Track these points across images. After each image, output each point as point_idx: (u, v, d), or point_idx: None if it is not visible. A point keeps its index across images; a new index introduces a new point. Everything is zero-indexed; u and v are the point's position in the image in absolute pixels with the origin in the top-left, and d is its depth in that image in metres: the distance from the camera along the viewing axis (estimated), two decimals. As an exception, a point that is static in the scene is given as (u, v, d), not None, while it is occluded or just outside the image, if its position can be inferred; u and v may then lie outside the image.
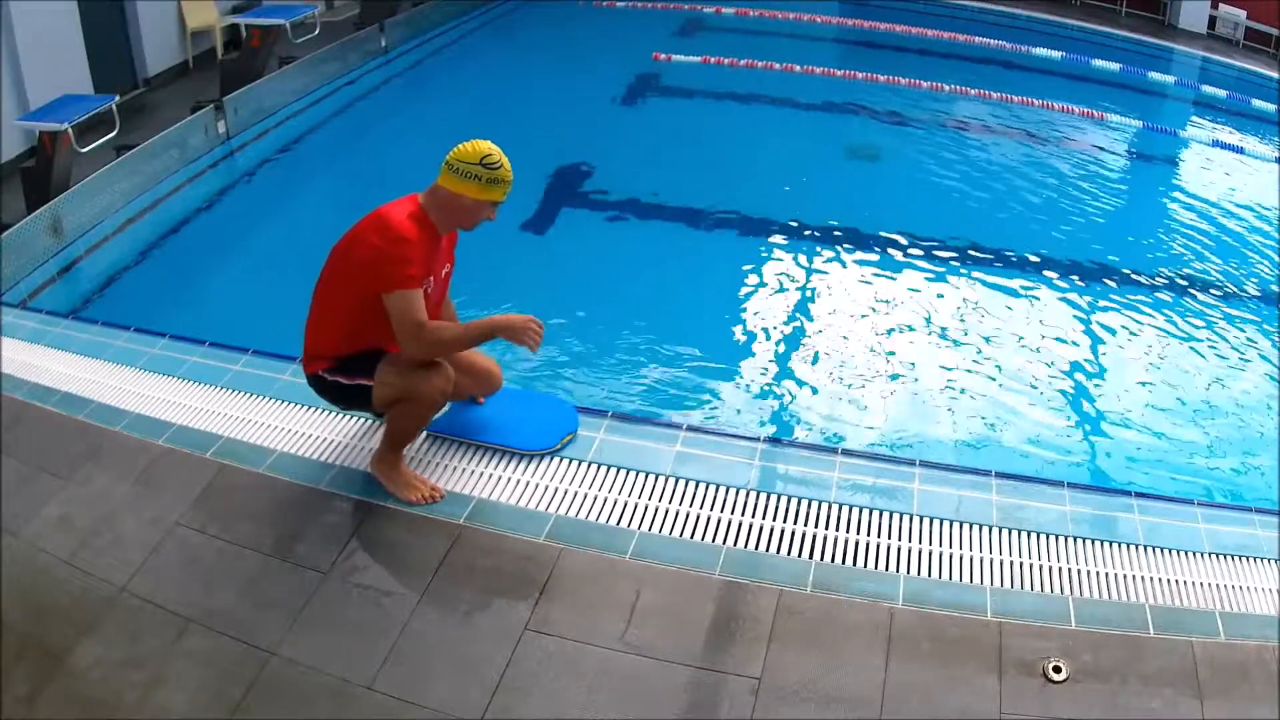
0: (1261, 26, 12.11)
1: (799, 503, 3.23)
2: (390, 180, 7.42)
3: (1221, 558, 3.08)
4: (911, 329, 5.38)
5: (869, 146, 8.39)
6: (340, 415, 3.65)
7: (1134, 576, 2.97)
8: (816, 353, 5.20)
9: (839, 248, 6.39)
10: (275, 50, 8.61)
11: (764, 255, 6.33)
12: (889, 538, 3.10)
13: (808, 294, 5.83)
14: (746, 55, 10.21)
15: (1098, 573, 2.98)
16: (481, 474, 3.35)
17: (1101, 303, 5.85)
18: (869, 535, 3.11)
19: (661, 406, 4.56)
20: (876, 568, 2.99)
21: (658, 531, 3.11)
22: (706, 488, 3.30)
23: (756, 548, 3.06)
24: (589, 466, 3.39)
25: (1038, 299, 5.81)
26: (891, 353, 5.13)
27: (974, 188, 7.56)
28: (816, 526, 3.14)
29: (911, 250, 6.33)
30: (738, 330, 5.41)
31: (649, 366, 4.89)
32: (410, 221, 2.97)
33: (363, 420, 3.61)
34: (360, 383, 3.11)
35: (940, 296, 5.75)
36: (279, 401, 3.76)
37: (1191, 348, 5.37)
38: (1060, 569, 2.99)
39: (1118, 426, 4.65)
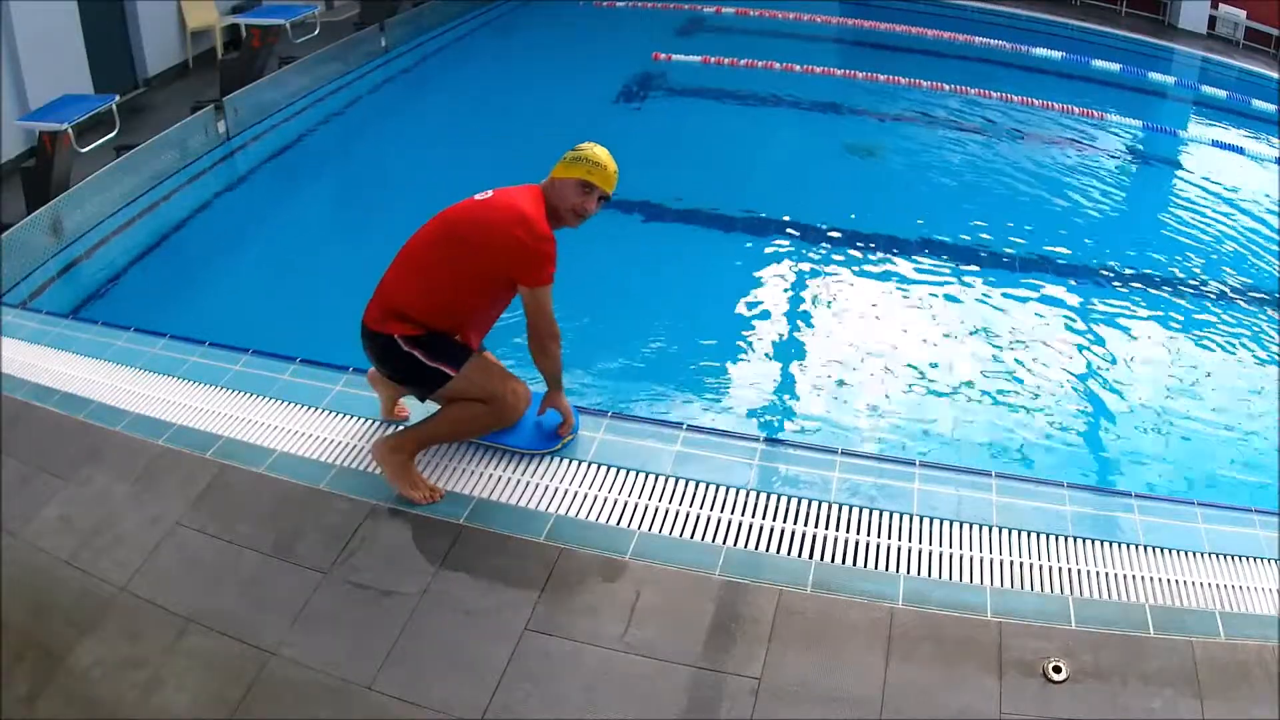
0: (1261, 26, 12.11)
1: (799, 503, 3.23)
2: (390, 180, 7.48)
3: (1221, 558, 3.07)
4: (911, 329, 5.38)
5: (869, 146, 8.39)
6: (340, 415, 3.65)
7: (1134, 576, 2.97)
8: (816, 353, 5.20)
9: (838, 247, 6.39)
10: (275, 50, 8.61)
11: (763, 255, 6.33)
12: (889, 538, 3.10)
13: (807, 293, 5.83)
14: (746, 55, 10.21)
15: (1098, 573, 2.98)
16: (481, 474, 3.35)
17: (1101, 302, 5.85)
18: (869, 535, 3.11)
19: (661, 406, 4.55)
20: (876, 568, 2.99)
21: (658, 531, 3.11)
22: (706, 488, 3.30)
23: (756, 548, 3.06)
24: (589, 466, 3.39)
25: (1037, 299, 5.81)
26: (892, 353, 5.13)
27: (973, 188, 7.57)
28: (816, 526, 3.14)
29: (911, 250, 6.32)
30: (737, 330, 5.41)
31: (649, 366, 4.90)
32: (546, 221, 3.13)
33: (363, 420, 3.61)
34: (441, 369, 3.14)
35: (939, 296, 5.75)
36: (279, 401, 3.76)
37: (1191, 347, 5.37)
38: (1060, 569, 2.99)
39: (1118, 426, 4.65)
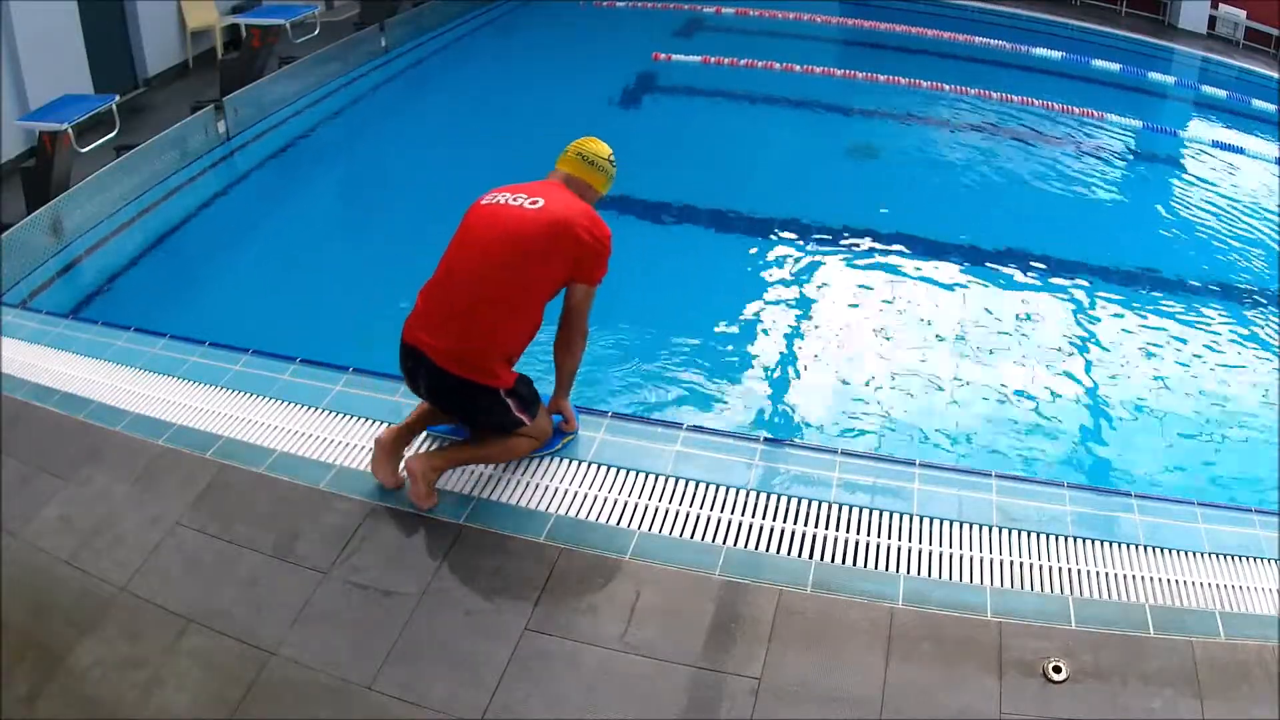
0: (1261, 26, 12.11)
1: (799, 503, 3.23)
2: (390, 180, 7.48)
3: (1221, 558, 3.08)
4: (911, 329, 5.38)
5: (869, 146, 8.39)
6: (340, 415, 3.65)
7: (1134, 576, 2.97)
8: (816, 353, 5.20)
9: (838, 247, 6.39)
10: (275, 50, 8.62)
11: (763, 255, 6.33)
12: (889, 538, 3.10)
13: (808, 294, 5.83)
14: (746, 55, 10.21)
15: (1098, 573, 2.98)
16: (481, 474, 3.34)
17: (1101, 302, 5.85)
18: (869, 535, 3.11)
19: (661, 406, 4.55)
20: (876, 568, 2.99)
21: (658, 531, 3.11)
22: (706, 488, 3.30)
23: (756, 548, 3.05)
24: (589, 466, 3.39)
25: (1037, 299, 5.81)
26: (891, 353, 5.13)
27: (973, 188, 7.57)
28: (816, 526, 3.14)
29: (911, 250, 6.32)
30: (738, 330, 5.41)
31: (649, 366, 4.89)
32: None
33: (364, 420, 3.61)
34: (523, 419, 3.21)
35: (939, 296, 5.75)
36: (279, 401, 3.76)
37: (1191, 347, 5.37)
38: (1060, 569, 2.99)
39: (1118, 426, 4.65)
